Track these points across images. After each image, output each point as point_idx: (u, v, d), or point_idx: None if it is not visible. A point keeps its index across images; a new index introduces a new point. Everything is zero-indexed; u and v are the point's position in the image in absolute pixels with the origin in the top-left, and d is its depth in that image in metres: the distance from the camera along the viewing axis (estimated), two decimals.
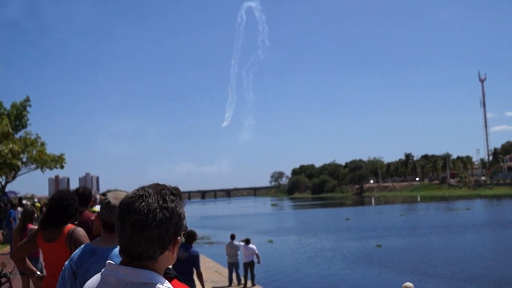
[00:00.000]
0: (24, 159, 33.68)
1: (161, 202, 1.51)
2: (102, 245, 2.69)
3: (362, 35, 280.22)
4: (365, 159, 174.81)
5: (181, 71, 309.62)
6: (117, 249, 2.54)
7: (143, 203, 1.49)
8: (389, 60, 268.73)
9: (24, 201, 22.96)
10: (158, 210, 1.49)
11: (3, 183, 34.65)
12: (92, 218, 3.54)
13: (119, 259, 1.59)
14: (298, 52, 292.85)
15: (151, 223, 1.47)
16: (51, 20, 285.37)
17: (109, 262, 1.56)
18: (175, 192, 1.57)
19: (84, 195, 5.04)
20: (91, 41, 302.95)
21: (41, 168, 34.33)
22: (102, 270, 1.57)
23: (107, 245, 2.67)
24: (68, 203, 4.07)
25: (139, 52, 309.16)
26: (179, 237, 1.55)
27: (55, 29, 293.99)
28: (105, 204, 2.74)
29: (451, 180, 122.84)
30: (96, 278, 1.60)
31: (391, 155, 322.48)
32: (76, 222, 4.22)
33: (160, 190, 1.55)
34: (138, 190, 1.56)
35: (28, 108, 32.96)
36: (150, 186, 1.57)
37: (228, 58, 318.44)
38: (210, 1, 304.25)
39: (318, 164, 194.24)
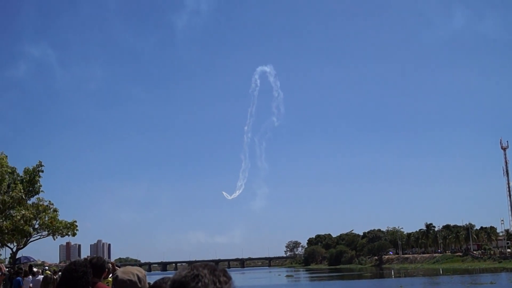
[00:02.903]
0: (36, 226, 33.26)
1: (217, 284, 1.55)
2: None
3: (379, 101, 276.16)
4: (384, 229, 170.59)
5: (193, 137, 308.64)
6: None
7: (199, 283, 1.53)
8: (407, 126, 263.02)
9: (34, 269, 22.38)
10: None
11: (14, 249, 34.02)
12: None
13: None
14: (312, 119, 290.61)
15: None
16: (59, 83, 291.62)
17: None
18: (227, 274, 1.62)
19: (97, 266, 4.90)
20: (102, 105, 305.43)
21: (53, 235, 33.79)
22: None
23: None
24: (78, 276, 4.05)
25: (150, 117, 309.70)
26: None
27: (64, 92, 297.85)
28: (114, 279, 2.80)
29: (475, 252, 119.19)
30: None
31: (411, 225, 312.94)
32: None
33: (213, 271, 1.57)
34: (191, 269, 1.59)
35: (40, 173, 32.95)
36: (201, 266, 1.60)
37: (242, 124, 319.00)
38: (223, 65, 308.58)
39: (335, 233, 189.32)
